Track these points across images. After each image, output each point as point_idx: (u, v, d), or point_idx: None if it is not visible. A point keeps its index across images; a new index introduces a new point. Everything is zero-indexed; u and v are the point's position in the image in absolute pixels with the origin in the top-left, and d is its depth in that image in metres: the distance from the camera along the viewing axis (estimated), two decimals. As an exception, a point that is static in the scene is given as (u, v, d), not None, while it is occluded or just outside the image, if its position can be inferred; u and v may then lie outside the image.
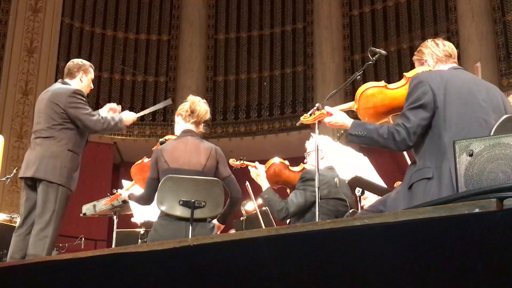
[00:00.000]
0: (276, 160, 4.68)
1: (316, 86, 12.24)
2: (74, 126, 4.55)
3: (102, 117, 4.62)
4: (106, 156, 11.87)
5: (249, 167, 4.69)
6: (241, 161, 4.80)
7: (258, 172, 4.58)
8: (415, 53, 3.32)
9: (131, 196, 4.49)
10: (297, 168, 4.67)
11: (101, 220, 10.26)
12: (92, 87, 4.93)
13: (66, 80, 4.76)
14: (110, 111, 4.84)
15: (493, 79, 9.82)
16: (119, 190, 4.99)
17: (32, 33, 12.21)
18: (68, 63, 4.86)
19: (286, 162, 4.69)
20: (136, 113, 4.96)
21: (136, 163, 4.83)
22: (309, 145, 4.68)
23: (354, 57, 12.35)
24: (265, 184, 4.51)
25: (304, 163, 4.70)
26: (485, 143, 2.19)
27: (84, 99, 4.64)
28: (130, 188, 4.92)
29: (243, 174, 4.92)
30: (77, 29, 12.96)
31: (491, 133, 2.69)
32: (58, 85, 4.75)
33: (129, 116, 4.78)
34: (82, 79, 4.77)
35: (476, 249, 1.48)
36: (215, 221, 4.17)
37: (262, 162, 4.78)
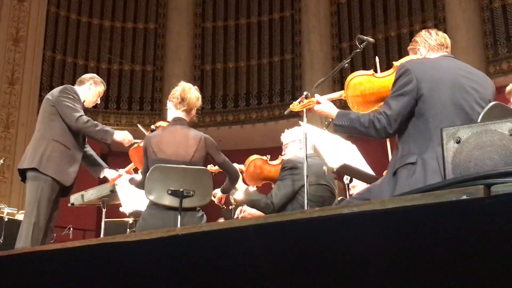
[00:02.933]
0: (255, 156, 4.66)
1: (304, 74, 12.23)
2: (61, 117, 4.59)
3: (89, 119, 4.63)
4: (93, 146, 11.74)
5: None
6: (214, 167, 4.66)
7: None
8: (410, 43, 3.34)
9: (131, 181, 4.49)
10: (276, 162, 4.65)
11: (89, 210, 10.22)
12: (99, 101, 5.02)
13: (76, 87, 4.86)
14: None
15: (481, 66, 9.85)
16: (119, 170, 4.99)
17: (18, 22, 12.10)
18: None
19: (265, 157, 4.67)
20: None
21: (133, 146, 4.81)
22: (285, 137, 4.68)
23: (342, 45, 12.35)
24: (242, 187, 4.48)
25: (282, 155, 4.68)
26: (472, 130, 2.19)
27: (76, 96, 4.69)
28: (130, 169, 4.93)
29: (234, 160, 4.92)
30: (63, 18, 12.86)
31: (478, 120, 2.70)
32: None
33: (121, 135, 4.73)
34: (91, 87, 4.88)
35: (464, 236, 1.49)
36: (217, 190, 4.33)
37: (251, 151, 4.77)
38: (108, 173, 5.00)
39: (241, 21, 13.33)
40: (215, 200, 4.65)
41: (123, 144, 4.75)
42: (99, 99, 4.97)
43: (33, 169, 4.43)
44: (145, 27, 13.36)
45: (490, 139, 2.14)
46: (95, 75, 5.06)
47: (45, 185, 4.40)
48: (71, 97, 4.64)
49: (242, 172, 4.60)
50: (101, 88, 4.95)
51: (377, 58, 3.93)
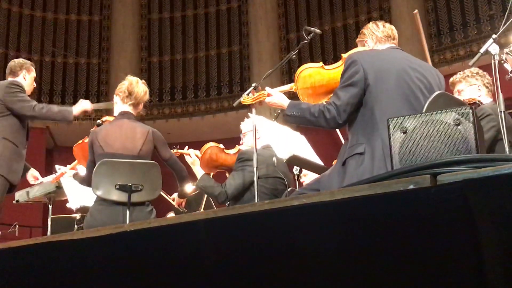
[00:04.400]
0: (211, 144, 4.64)
1: (252, 65, 12.22)
2: (13, 116, 4.58)
3: (43, 104, 4.69)
4: (38, 141, 11.49)
5: (184, 155, 4.65)
6: (175, 150, 4.73)
7: (192, 160, 4.55)
8: (359, 35, 3.38)
9: (75, 176, 4.42)
10: (232, 151, 4.65)
11: (35, 207, 10.01)
12: (35, 85, 5.01)
13: (9, 78, 4.81)
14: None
15: (424, 56, 10.02)
16: (62, 168, 4.91)
17: (-44, 15, 11.71)
18: (9, 63, 4.96)
19: (221, 146, 4.67)
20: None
21: (78, 142, 4.74)
22: (244, 126, 4.68)
23: (289, 36, 12.38)
24: (200, 172, 4.49)
25: (239, 145, 4.69)
26: (418, 120, 2.23)
27: (21, 88, 4.70)
28: (75, 166, 4.86)
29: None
30: (4, 11, 12.48)
31: (423, 110, 2.74)
32: None
33: (79, 107, 4.73)
34: (25, 77, 4.85)
35: (412, 225, 1.51)
36: (175, 195, 4.34)
37: (200, 143, 4.75)
38: (33, 172, 4.99)
39: (187, 12, 13.21)
40: (175, 204, 4.66)
41: (87, 111, 4.80)
42: (34, 83, 4.97)
43: None
44: (90, 19, 13.10)
45: (436, 129, 2.18)
46: (24, 61, 4.97)
47: None
48: (19, 90, 4.65)
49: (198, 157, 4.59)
50: (34, 73, 4.96)
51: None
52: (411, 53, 3.31)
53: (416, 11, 4.43)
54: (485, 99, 4.10)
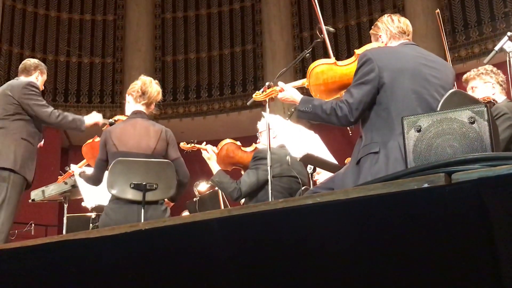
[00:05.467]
0: (228, 141, 4.66)
1: (266, 64, 12.21)
2: (29, 116, 4.62)
3: (59, 111, 4.71)
4: (53, 140, 11.57)
5: (201, 150, 4.67)
6: (192, 144, 4.76)
7: (209, 156, 4.57)
8: (372, 26, 3.35)
9: (82, 174, 4.45)
10: (249, 149, 4.66)
11: (51, 206, 10.08)
12: (43, 88, 5.02)
13: (22, 77, 4.86)
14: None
15: (439, 54, 9.95)
16: (72, 165, 4.95)
17: (-28, 15, 11.80)
18: (24, 61, 4.99)
19: (238, 143, 4.68)
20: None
21: (87, 142, 4.77)
22: (261, 125, 4.69)
23: (303, 34, 12.35)
24: (216, 167, 4.51)
25: (256, 143, 4.70)
26: (432, 119, 2.22)
27: (38, 91, 4.74)
28: (83, 165, 4.89)
29: (196, 157, 4.89)
30: (19, 11, 12.56)
31: (438, 108, 2.73)
32: (13, 80, 4.85)
33: (91, 119, 4.82)
34: (38, 78, 4.89)
35: (426, 224, 1.50)
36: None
37: (214, 142, 4.76)
38: None
39: (201, 11, 13.22)
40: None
41: (98, 124, 4.83)
42: (43, 87, 5.00)
43: (6, 168, 4.40)
44: (104, 19, 13.15)
45: (450, 127, 2.17)
46: (39, 63, 5.00)
47: (15, 183, 4.41)
48: (36, 93, 4.68)
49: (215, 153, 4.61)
50: (45, 76, 5.01)
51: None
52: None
53: (437, 10, 4.41)
54: (499, 97, 4.08)
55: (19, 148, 4.48)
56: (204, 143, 4.70)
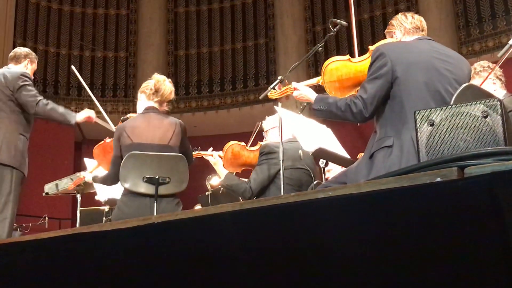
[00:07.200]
0: (232, 142, 4.67)
1: (278, 58, 12.20)
2: (22, 109, 4.59)
3: (48, 101, 4.64)
4: (67, 134, 11.63)
5: (205, 157, 4.68)
6: (196, 152, 4.76)
7: (215, 161, 4.58)
8: (387, 26, 3.35)
9: (95, 179, 4.45)
10: (255, 148, 4.67)
11: (64, 199, 10.12)
12: (32, 77, 4.97)
13: (11, 65, 4.82)
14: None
15: (453, 48, 9.88)
16: (82, 172, 4.95)
17: (-14, 10, 11.86)
18: (15, 49, 4.96)
19: (242, 143, 4.69)
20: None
21: (98, 144, 4.77)
22: (266, 124, 4.69)
23: (315, 28, 12.32)
24: (223, 172, 4.52)
25: (262, 142, 4.69)
26: (445, 113, 2.21)
27: (31, 80, 4.71)
28: (94, 170, 4.88)
29: (203, 164, 4.91)
30: (33, 5, 12.63)
31: (451, 102, 2.72)
32: (5, 70, 4.78)
33: (82, 114, 4.79)
34: (27, 67, 4.85)
35: (438, 218, 1.50)
36: None
37: (226, 136, 4.78)
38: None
39: (214, 5, 13.22)
40: None
41: (90, 121, 4.80)
42: (32, 76, 4.96)
43: (8, 165, 4.43)
44: (117, 13, 13.19)
45: (463, 121, 2.16)
46: (30, 51, 4.97)
47: (17, 179, 4.44)
48: (28, 83, 4.63)
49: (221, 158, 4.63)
50: (35, 65, 4.96)
51: None
52: (438, 45, 3.26)
53: None
54: (500, 91, 4.07)
55: (18, 144, 4.50)
56: (211, 148, 4.72)
